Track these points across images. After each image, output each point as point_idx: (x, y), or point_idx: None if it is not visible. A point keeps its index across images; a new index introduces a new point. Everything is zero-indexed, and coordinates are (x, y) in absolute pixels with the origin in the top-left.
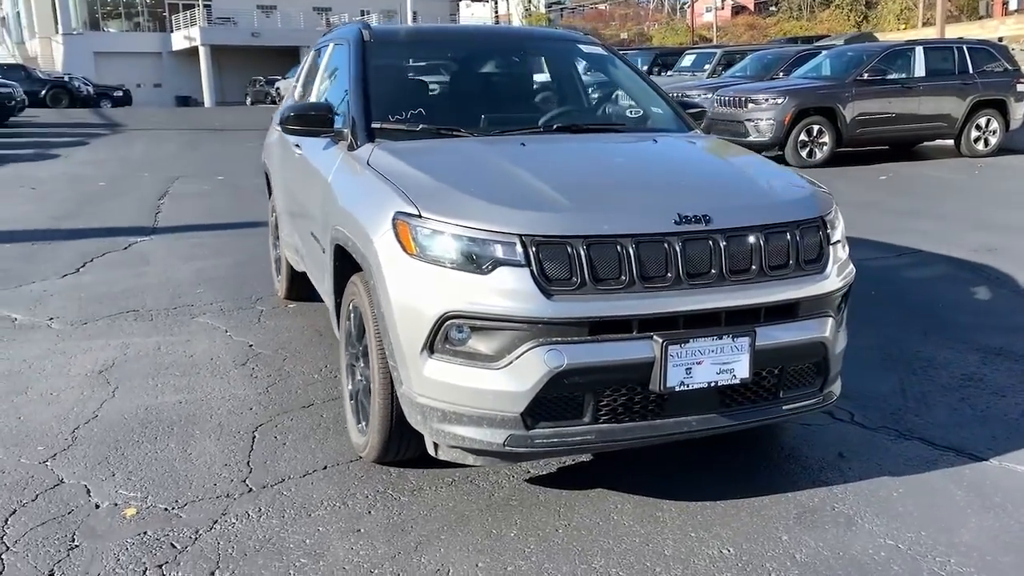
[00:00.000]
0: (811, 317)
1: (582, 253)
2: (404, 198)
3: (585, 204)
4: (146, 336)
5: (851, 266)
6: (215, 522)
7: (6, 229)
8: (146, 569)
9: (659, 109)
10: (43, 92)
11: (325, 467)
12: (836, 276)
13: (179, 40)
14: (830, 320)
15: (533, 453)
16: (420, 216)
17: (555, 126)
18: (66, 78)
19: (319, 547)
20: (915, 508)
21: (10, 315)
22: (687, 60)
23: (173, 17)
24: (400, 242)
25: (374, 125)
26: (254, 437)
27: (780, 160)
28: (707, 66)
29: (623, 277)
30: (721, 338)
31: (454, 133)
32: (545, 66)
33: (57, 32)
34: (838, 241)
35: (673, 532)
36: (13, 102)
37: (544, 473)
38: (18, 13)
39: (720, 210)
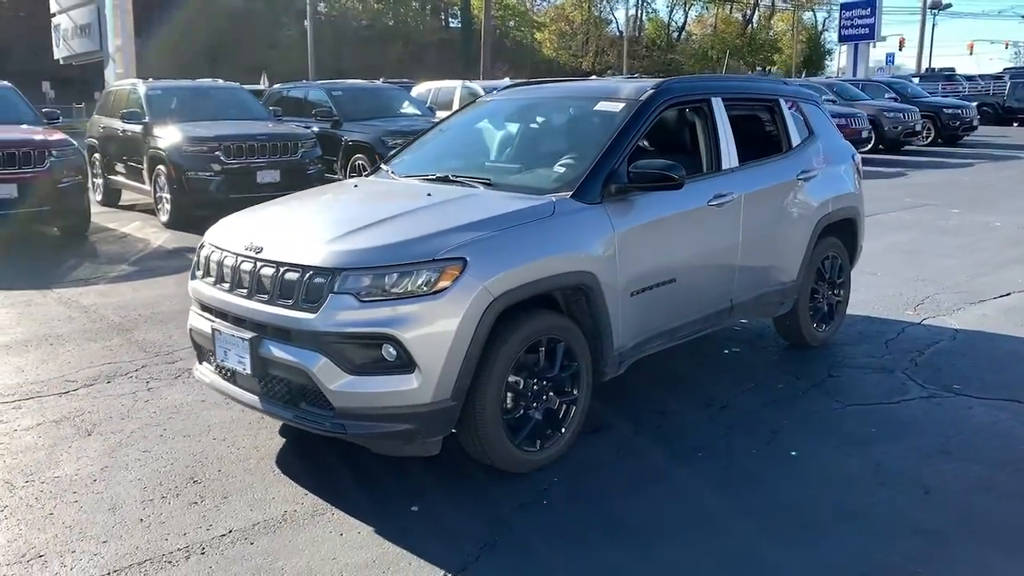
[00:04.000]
0: (301, 347)
1: (208, 257)
2: None
3: (239, 228)
4: None
5: (381, 321)
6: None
7: None
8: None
9: (563, 169)
10: None
11: None
12: (330, 321)
13: None
14: (321, 357)
15: (199, 381)
16: None
17: (432, 176)
18: None
19: (177, 409)
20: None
21: None
22: None
23: None
24: None
25: (380, 164)
26: None
27: None
28: None
29: (213, 277)
30: (232, 336)
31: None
32: (541, 124)
33: None
34: (348, 293)
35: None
36: (959, 122)
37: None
38: None
39: (272, 246)
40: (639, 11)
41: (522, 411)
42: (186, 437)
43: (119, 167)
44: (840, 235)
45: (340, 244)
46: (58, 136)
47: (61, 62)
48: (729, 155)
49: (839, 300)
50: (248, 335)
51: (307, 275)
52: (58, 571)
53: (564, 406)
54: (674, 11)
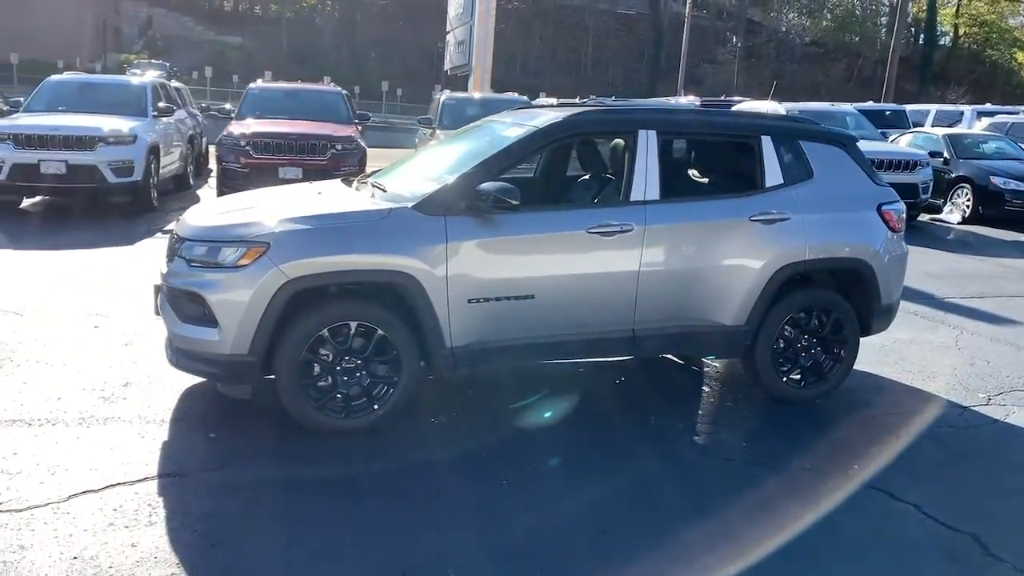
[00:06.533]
0: (164, 297)
1: None
2: None
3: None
4: None
5: (196, 283)
6: None
7: None
8: None
9: (431, 184)
10: None
11: None
12: (171, 278)
13: None
14: (168, 306)
15: None
16: None
17: (366, 180)
18: None
19: None
20: None
21: None
22: None
23: None
24: None
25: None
26: None
27: None
28: None
29: None
30: (154, 284)
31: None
32: (485, 143)
33: None
34: (183, 258)
35: None
36: None
37: None
38: None
39: (183, 220)
40: None
41: (329, 381)
42: None
43: None
44: (840, 289)
45: (203, 221)
46: (345, 133)
47: (448, 73)
48: (645, 187)
49: (835, 360)
50: (157, 283)
51: (175, 241)
52: None
53: (383, 387)
54: None
